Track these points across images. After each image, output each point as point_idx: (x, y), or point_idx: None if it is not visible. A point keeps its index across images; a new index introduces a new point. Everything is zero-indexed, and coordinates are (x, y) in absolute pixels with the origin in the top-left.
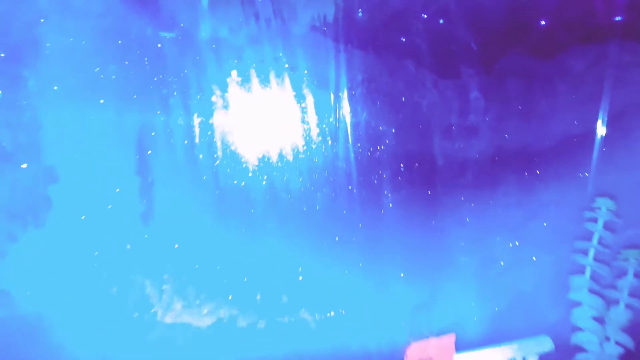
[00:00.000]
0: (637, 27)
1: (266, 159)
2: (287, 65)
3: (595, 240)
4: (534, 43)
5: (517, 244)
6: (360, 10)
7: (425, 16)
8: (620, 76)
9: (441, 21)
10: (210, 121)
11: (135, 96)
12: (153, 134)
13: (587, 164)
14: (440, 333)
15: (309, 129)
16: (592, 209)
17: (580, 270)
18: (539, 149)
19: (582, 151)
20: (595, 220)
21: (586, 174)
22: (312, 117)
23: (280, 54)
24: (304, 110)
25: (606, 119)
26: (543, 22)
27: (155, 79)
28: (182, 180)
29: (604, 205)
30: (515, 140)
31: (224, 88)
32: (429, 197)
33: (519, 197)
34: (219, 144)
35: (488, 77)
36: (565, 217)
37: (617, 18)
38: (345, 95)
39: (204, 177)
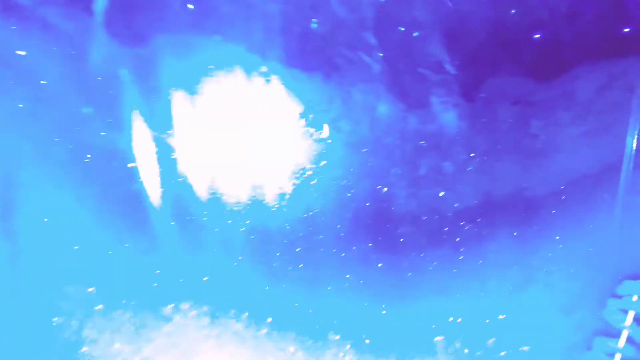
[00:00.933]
0: None
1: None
2: None
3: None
4: (528, 61)
5: (510, 318)
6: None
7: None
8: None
9: (416, 34)
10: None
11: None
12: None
13: (599, 213)
14: None
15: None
16: (619, 296)
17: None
18: (538, 195)
19: (594, 197)
20: (624, 311)
21: (600, 227)
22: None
23: None
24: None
25: (629, 154)
26: (538, 36)
27: None
28: None
29: (635, 292)
30: (508, 185)
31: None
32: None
33: (516, 256)
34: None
35: (472, 105)
36: (571, 283)
37: (626, 30)
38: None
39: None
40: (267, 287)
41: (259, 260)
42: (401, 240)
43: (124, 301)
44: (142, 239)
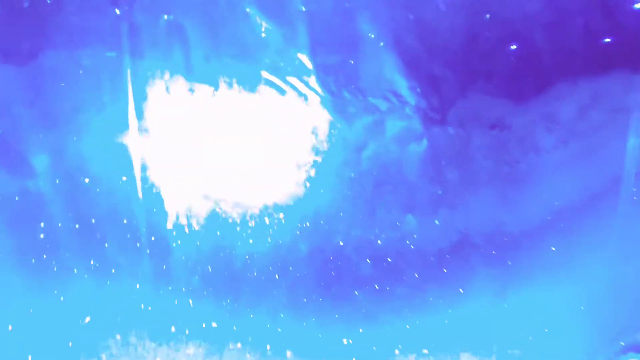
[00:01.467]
0: None
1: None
2: None
3: None
4: (503, 78)
5: None
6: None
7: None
8: (624, 121)
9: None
10: None
11: None
12: None
13: (586, 249)
14: None
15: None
16: None
17: None
18: (517, 232)
19: (579, 232)
20: None
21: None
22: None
23: None
24: None
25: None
26: (514, 47)
27: None
28: None
29: None
30: (484, 222)
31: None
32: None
33: (493, 299)
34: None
35: (441, 129)
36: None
37: (614, 41)
38: None
39: None
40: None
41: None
42: (358, 285)
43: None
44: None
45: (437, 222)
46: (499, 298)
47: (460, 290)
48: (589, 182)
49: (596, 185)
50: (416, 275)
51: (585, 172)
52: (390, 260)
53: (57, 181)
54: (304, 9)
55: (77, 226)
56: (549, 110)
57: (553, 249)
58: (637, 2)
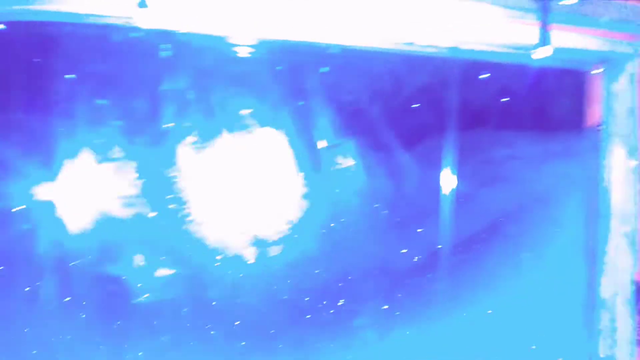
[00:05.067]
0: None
1: None
2: None
3: None
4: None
5: None
6: None
7: None
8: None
9: None
10: None
11: None
12: None
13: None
14: None
15: None
16: None
17: None
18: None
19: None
20: None
21: None
22: None
23: None
24: None
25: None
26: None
27: None
28: None
29: None
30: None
31: None
32: None
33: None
34: None
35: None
36: None
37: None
38: None
39: None
40: None
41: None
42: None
43: None
44: None
45: (339, 255)
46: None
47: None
48: (466, 226)
49: (474, 228)
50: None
51: (461, 218)
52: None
53: None
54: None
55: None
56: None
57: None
58: (482, 74)
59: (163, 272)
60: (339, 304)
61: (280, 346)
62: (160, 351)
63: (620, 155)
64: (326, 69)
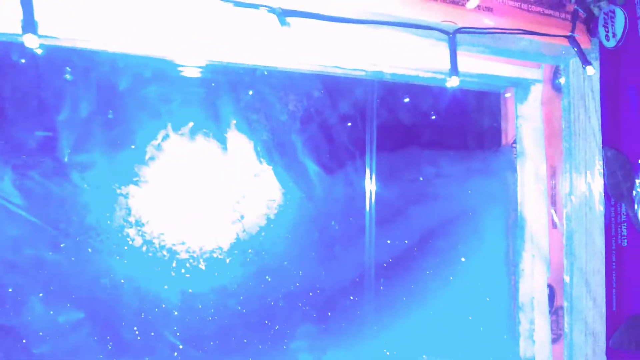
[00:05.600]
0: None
1: None
2: None
3: None
4: None
5: None
6: None
7: None
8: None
9: None
10: None
11: None
12: None
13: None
14: None
15: None
16: None
17: None
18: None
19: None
20: None
21: None
22: None
23: None
24: None
25: None
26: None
27: None
28: None
29: None
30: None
31: None
32: None
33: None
34: None
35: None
36: None
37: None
38: None
39: None
40: None
41: None
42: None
43: None
44: None
45: (268, 278)
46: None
47: (284, 347)
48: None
49: (404, 243)
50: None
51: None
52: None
53: None
54: None
55: None
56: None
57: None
58: (407, 96)
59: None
60: (274, 328)
61: None
62: None
63: (530, 171)
64: (251, 92)
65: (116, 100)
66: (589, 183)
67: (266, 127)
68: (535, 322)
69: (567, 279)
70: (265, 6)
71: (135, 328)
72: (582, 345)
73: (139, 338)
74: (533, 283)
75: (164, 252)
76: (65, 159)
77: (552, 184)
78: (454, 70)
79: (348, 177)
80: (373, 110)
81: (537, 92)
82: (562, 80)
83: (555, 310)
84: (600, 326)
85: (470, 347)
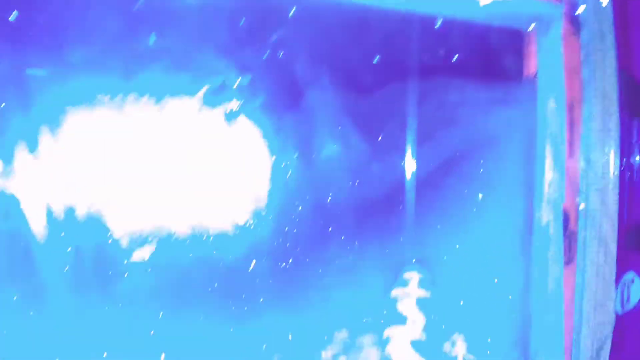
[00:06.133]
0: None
1: None
2: None
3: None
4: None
5: None
6: None
7: None
8: None
9: None
10: None
11: None
12: None
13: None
14: None
15: None
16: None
17: None
18: None
19: None
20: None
21: None
22: None
23: None
24: None
25: None
26: None
27: None
28: None
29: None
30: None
31: None
32: None
33: None
34: None
35: None
36: None
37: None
38: None
39: None
40: None
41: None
42: None
43: None
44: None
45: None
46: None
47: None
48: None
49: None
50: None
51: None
52: None
53: None
54: None
55: None
56: None
57: None
58: (435, 28)
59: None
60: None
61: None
62: None
63: (550, 102)
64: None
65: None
66: (606, 110)
67: (299, 62)
68: (550, 244)
69: (582, 205)
70: None
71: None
72: (595, 254)
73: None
74: (550, 208)
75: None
76: None
77: (571, 115)
78: None
79: (387, 102)
80: (407, 42)
81: (558, 27)
82: (581, 12)
83: (568, 235)
84: (612, 233)
85: (486, 262)
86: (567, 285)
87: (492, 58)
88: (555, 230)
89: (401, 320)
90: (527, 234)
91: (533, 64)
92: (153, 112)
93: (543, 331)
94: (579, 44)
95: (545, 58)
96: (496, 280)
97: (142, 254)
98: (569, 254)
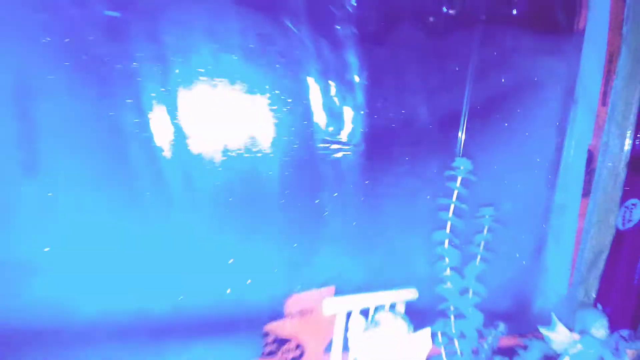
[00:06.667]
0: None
1: None
2: None
3: (454, 197)
4: None
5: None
6: None
7: None
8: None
9: None
10: None
11: None
12: None
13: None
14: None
15: None
16: (452, 168)
17: (443, 226)
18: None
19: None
20: (454, 179)
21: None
22: None
23: None
24: None
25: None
26: None
27: None
28: None
29: (462, 165)
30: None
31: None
32: None
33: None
34: None
35: None
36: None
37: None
38: None
39: None
40: None
41: None
42: None
43: None
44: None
45: None
46: None
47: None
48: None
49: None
50: None
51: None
52: None
53: None
54: None
55: None
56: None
57: None
58: None
59: None
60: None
61: None
62: None
63: (592, 54)
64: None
65: None
66: (637, 62)
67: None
68: (572, 177)
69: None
70: None
71: None
72: (606, 183)
73: None
74: (577, 146)
75: None
76: None
77: (608, 67)
78: None
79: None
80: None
81: None
82: None
83: (589, 171)
84: (623, 167)
85: (518, 185)
86: (582, 215)
87: (548, 13)
88: (578, 166)
89: None
90: (555, 167)
91: (583, 19)
92: None
93: (557, 246)
94: (624, 3)
95: (594, 14)
96: (523, 201)
97: None
98: (587, 187)
